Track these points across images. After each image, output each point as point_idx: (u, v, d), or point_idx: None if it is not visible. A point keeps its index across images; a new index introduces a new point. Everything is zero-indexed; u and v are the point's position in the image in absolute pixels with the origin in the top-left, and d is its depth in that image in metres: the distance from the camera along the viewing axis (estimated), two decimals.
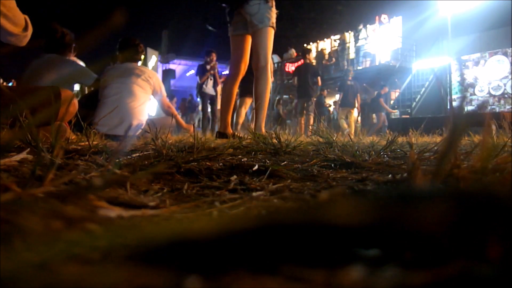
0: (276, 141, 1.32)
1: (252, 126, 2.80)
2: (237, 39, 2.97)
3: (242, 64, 2.96)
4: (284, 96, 13.40)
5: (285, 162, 0.99)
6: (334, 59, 14.77)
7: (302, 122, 7.56)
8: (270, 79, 2.87)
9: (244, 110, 6.15)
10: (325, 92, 11.43)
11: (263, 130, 2.69)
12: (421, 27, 13.29)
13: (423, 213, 0.22)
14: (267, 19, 2.81)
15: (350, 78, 8.97)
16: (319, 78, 7.59)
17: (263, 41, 2.82)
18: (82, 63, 3.28)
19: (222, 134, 2.86)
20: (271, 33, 2.86)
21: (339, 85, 9.47)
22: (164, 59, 16.56)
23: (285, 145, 1.29)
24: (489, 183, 0.34)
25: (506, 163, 0.49)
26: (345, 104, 8.81)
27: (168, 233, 0.21)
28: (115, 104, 2.86)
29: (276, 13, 2.89)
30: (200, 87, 7.31)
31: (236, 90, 3.09)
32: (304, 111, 7.56)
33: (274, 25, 2.87)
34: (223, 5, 2.97)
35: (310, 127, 5.64)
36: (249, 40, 2.95)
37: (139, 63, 3.33)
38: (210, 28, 3.15)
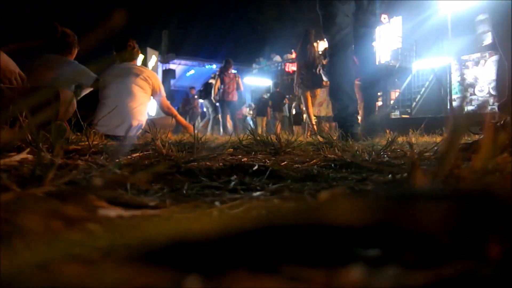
0: (276, 141, 1.32)
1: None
2: None
3: None
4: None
5: (285, 162, 0.99)
6: None
7: (278, 129, 9.47)
8: None
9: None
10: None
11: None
12: (421, 27, 13.25)
13: (423, 213, 0.22)
14: None
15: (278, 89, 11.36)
16: (286, 99, 10.61)
17: None
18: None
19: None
20: None
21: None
22: (164, 59, 16.52)
23: (285, 145, 1.29)
24: (489, 183, 0.34)
25: (506, 163, 0.49)
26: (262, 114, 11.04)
27: (168, 233, 0.21)
28: (115, 104, 2.86)
29: None
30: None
31: None
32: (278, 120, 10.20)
33: None
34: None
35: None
36: None
37: (139, 62, 3.32)
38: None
